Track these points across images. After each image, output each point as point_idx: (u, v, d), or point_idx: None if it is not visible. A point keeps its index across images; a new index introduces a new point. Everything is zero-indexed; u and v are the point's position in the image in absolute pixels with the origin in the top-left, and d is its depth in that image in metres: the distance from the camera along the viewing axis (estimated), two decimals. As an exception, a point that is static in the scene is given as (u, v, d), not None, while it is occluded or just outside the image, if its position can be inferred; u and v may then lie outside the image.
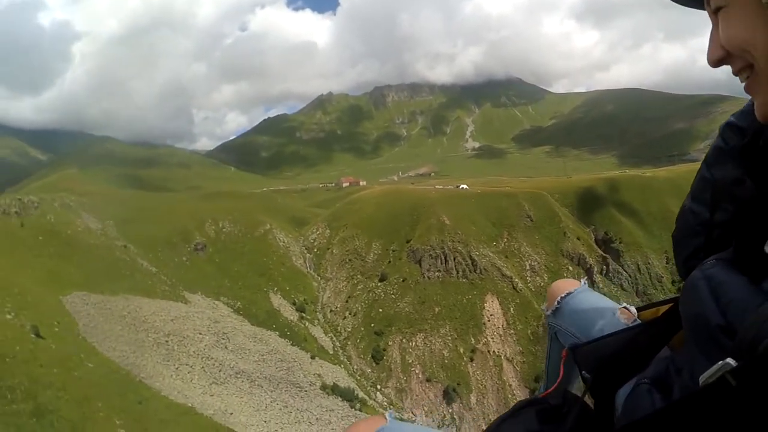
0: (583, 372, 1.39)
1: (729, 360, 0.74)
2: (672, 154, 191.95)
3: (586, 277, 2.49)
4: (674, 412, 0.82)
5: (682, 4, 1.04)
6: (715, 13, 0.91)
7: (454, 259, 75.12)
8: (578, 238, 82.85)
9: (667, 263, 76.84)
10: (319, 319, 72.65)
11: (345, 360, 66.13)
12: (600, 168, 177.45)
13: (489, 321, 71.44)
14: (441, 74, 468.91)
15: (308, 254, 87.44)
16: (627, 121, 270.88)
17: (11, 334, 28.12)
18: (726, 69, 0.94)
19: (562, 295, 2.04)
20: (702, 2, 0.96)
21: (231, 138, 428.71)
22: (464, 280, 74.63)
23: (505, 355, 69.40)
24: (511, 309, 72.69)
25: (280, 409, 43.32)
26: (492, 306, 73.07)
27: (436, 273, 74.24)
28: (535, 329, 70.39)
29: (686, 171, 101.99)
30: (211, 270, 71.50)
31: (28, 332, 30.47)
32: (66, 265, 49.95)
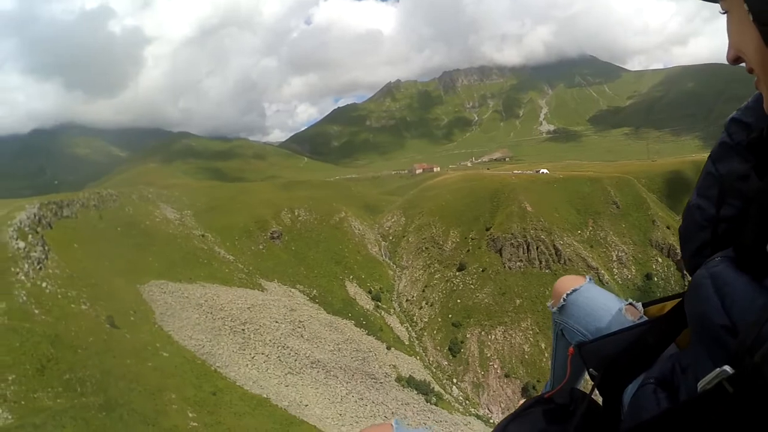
0: (591, 369, 1.41)
1: (726, 367, 0.75)
2: None
3: (590, 275, 2.39)
4: (672, 418, 0.85)
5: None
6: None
7: (537, 248, 70.19)
8: (668, 227, 75.82)
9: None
10: (394, 309, 70.77)
11: (421, 351, 63.86)
12: (684, 150, 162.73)
13: (574, 315, 66.28)
14: (510, 56, 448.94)
15: (383, 242, 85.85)
16: (711, 100, 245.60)
17: (86, 324, 27.99)
18: None
19: (568, 292, 1.97)
20: None
21: (302, 129, 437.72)
22: (547, 271, 69.62)
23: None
24: (598, 303, 67.12)
25: (356, 402, 41.65)
26: None
27: (518, 263, 69.71)
28: (625, 325, 64.92)
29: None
30: (287, 258, 71.54)
31: (103, 322, 30.44)
32: (144, 255, 51.01)
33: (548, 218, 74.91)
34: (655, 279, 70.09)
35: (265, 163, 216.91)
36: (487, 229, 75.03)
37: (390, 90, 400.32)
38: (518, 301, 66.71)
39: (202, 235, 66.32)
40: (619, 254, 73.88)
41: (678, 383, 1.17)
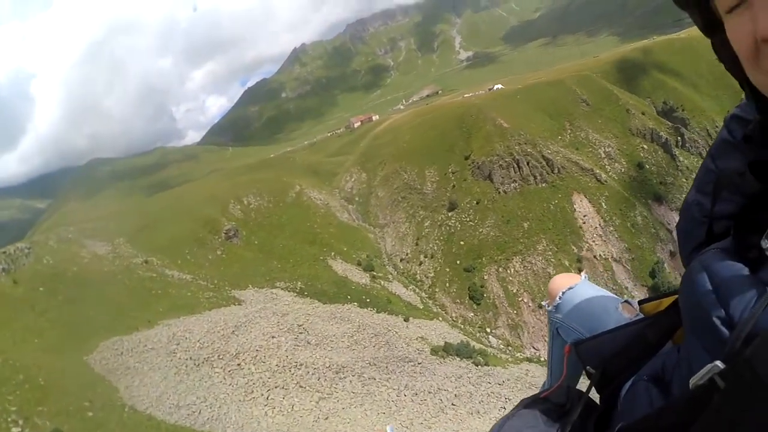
0: (588, 367, 1.41)
1: (717, 362, 0.75)
2: (680, 18, 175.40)
3: (586, 271, 2.26)
4: (665, 415, 0.87)
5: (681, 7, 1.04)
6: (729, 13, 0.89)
7: (528, 163, 62.87)
8: (643, 113, 71.35)
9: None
10: (392, 273, 61.73)
11: (439, 311, 55.80)
12: (603, 48, 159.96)
13: (584, 223, 60.83)
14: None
15: (350, 206, 76.01)
16: None
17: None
18: None
19: (564, 290, 1.98)
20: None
21: (217, 121, 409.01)
22: (544, 185, 63.09)
23: (612, 257, 59.54)
24: (603, 204, 62.19)
25: (411, 401, 32.70)
26: (582, 206, 62.15)
27: (512, 184, 62.20)
28: (634, 220, 60.28)
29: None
30: (253, 255, 60.44)
31: (52, 446, 19.06)
32: (81, 312, 37.95)
33: (527, 130, 67.52)
34: (647, 167, 65.45)
35: (199, 163, 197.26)
36: (467, 158, 66.66)
37: (297, 56, 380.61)
38: (526, 224, 59.60)
39: (145, 262, 53.53)
40: (606, 150, 68.67)
41: (670, 378, 1.15)
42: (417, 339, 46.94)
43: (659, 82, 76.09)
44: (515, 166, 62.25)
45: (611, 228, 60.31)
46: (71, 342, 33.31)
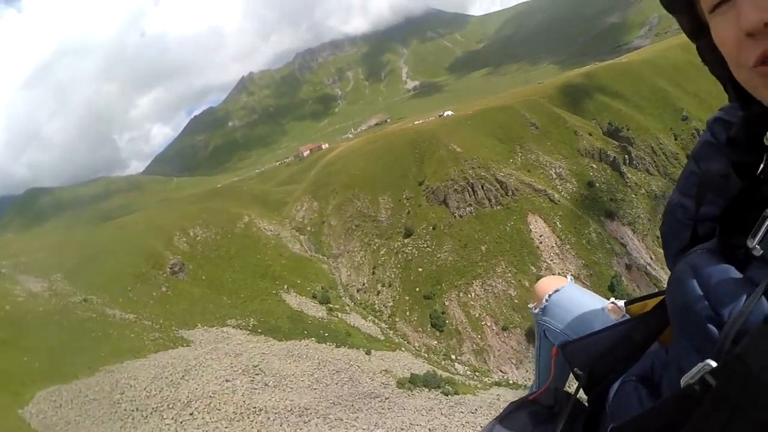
0: (575, 368, 1.42)
1: (708, 361, 0.76)
2: (618, 45, 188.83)
3: (572, 275, 2.24)
4: (656, 414, 0.87)
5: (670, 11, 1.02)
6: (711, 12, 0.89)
7: (482, 187, 63.09)
8: (590, 134, 74.00)
9: (675, 140, 71.74)
10: (349, 305, 59.58)
11: (401, 341, 54.06)
12: (547, 75, 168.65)
13: (541, 243, 61.39)
14: (358, 24, 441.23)
15: (301, 236, 73.53)
16: (557, 27, 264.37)
17: None
18: None
19: (550, 293, 1.98)
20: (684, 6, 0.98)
21: (161, 151, 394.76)
22: (499, 207, 63.39)
23: (570, 274, 59.64)
24: (558, 223, 63.06)
25: (385, 442, 30.45)
26: (537, 226, 62.81)
27: (468, 208, 62.16)
28: (589, 237, 61.30)
29: (659, 50, 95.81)
30: (201, 291, 56.67)
31: None
32: (15, 356, 33.69)
33: (480, 154, 68.27)
34: (598, 185, 67.37)
35: (144, 193, 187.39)
36: (420, 183, 66.30)
37: (245, 85, 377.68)
38: (483, 247, 59.34)
39: (84, 300, 48.89)
40: (557, 170, 70.31)
41: (659, 379, 1.16)
42: (381, 372, 44.82)
43: (603, 105, 79.25)
44: (470, 189, 62.36)
45: (567, 246, 61.08)
46: (4, 392, 29.20)
